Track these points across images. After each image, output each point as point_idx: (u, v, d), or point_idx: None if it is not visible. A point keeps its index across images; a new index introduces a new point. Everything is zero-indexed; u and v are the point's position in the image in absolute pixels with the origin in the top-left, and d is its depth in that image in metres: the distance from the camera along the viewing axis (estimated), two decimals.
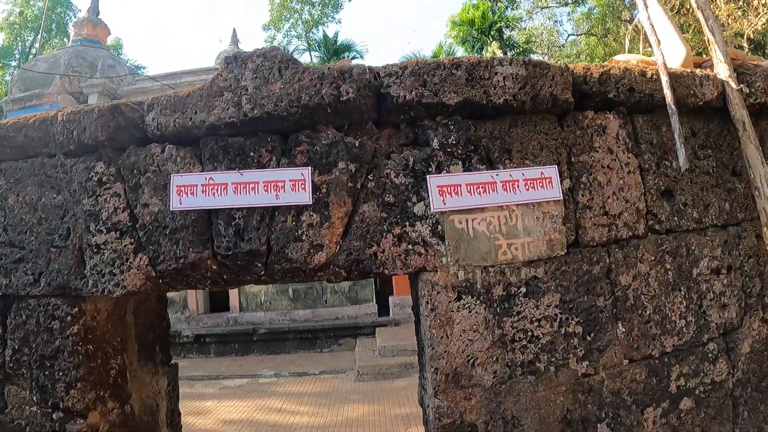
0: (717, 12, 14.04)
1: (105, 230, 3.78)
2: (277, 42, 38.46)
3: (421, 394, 4.10)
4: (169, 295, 19.12)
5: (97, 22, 24.81)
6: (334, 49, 35.52)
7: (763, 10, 15.12)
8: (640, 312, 4.00)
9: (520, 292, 3.73)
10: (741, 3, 15.73)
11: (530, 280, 3.75)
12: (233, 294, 18.93)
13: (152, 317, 4.76)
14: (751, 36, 16.13)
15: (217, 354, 18.31)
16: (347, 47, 36.33)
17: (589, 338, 3.82)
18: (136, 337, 4.47)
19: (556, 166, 3.90)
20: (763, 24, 15.34)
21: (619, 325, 3.92)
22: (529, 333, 3.72)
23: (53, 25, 36.53)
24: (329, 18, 39.77)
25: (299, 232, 3.56)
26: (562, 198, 3.87)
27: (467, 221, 3.71)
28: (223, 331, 18.48)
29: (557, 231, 3.84)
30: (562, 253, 3.83)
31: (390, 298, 18.63)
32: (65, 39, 33.80)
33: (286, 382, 14.39)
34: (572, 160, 4.01)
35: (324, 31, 38.58)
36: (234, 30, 26.77)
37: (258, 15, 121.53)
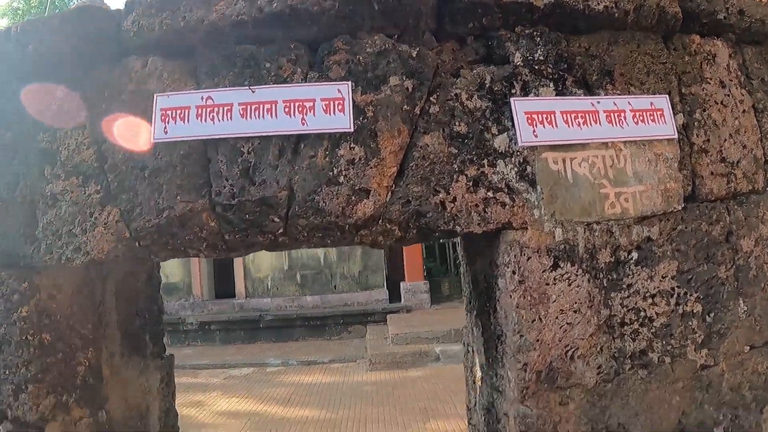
0: None
1: (63, 175, 2.67)
2: None
3: (488, 398, 2.98)
4: (173, 280, 18.16)
5: None
6: None
7: None
8: (763, 285, 2.94)
9: (631, 258, 2.66)
10: None
11: (643, 242, 2.68)
12: (239, 279, 17.84)
13: (140, 300, 3.62)
14: None
15: (223, 342, 17.23)
16: None
17: (708, 319, 2.77)
18: (119, 324, 3.34)
19: (666, 96, 2.85)
20: None
21: (741, 302, 2.86)
22: (642, 313, 2.66)
23: (56, 12, 35.33)
24: None
25: (335, 171, 2.42)
26: (676, 136, 2.82)
27: (565, 161, 2.62)
28: (228, 318, 17.37)
29: (673, 179, 2.78)
30: (679, 207, 2.77)
31: (401, 284, 17.52)
32: None
33: (294, 371, 13.29)
34: (683, 91, 2.94)
35: None
36: None
37: None
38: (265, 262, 17.81)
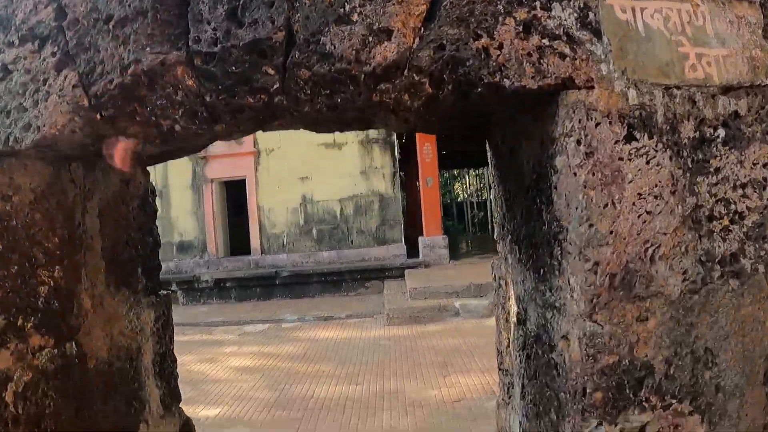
0: None
1: (18, 41, 2.13)
2: None
3: (537, 323, 2.41)
4: (187, 238, 17.76)
5: None
6: None
7: None
8: None
9: (718, 136, 2.08)
10: None
11: (730, 118, 2.09)
12: (254, 236, 17.39)
13: (131, 229, 3.09)
14: None
15: (238, 299, 16.85)
16: None
17: None
18: (104, 252, 2.81)
19: None
20: None
21: None
22: (732, 207, 2.08)
23: None
24: None
25: (346, 8, 1.82)
26: None
27: (634, 11, 2.01)
28: (244, 274, 16.97)
29: (759, 47, 2.18)
30: (767, 81, 2.17)
31: (420, 239, 16.99)
32: None
33: (310, 326, 12.88)
34: None
35: None
36: None
37: None
38: (280, 217, 17.33)
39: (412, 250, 17.17)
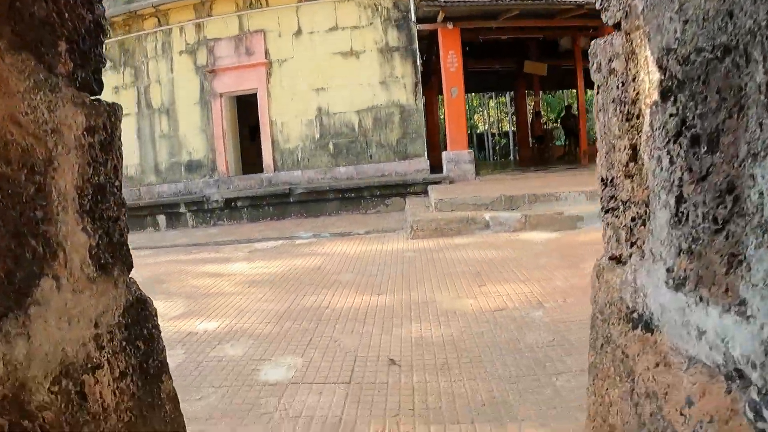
0: None
1: None
2: None
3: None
4: (195, 157, 16.66)
5: None
6: None
7: None
8: None
9: None
10: None
11: None
12: (267, 151, 16.17)
13: None
14: None
15: (250, 219, 15.84)
16: None
17: None
18: None
19: None
20: None
21: None
22: None
23: None
24: None
25: None
26: None
27: None
28: (256, 193, 15.87)
29: None
30: None
31: (443, 154, 15.75)
32: None
33: (327, 242, 11.77)
34: None
35: None
36: None
37: None
38: (294, 131, 16.06)
39: (433, 168, 15.93)
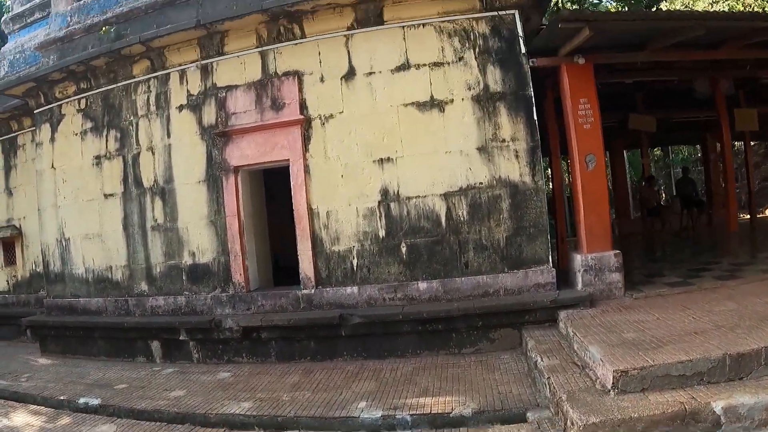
0: None
1: None
2: None
3: None
4: (201, 260, 9.35)
5: None
6: None
7: None
8: None
9: None
10: None
11: None
12: (305, 256, 10.35)
13: None
14: None
15: (281, 357, 10.15)
16: None
17: None
18: None
19: None
20: None
21: None
22: None
23: None
24: None
25: None
26: None
27: None
28: (288, 321, 10.04)
29: None
30: None
31: (576, 257, 9.84)
32: None
33: None
34: None
35: None
36: None
37: None
38: (346, 225, 10.16)
39: (562, 273, 10.18)
